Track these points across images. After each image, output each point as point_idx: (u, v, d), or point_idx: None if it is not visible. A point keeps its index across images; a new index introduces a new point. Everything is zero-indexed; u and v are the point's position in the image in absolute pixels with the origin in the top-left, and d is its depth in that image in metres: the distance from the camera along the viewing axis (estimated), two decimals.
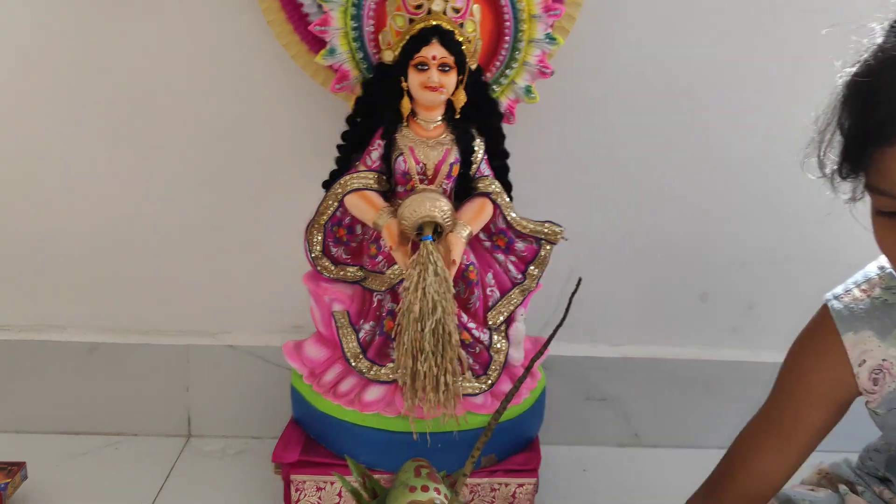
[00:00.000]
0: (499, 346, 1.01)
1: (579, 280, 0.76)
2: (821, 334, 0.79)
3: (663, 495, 1.18)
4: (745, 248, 1.25)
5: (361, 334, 1.01)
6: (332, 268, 1.01)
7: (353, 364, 1.00)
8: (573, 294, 0.74)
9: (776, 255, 1.25)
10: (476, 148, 0.98)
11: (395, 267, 0.97)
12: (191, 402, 1.26)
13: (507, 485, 1.00)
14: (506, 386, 1.03)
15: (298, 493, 1.00)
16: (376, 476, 0.91)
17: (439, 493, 0.81)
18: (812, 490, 0.99)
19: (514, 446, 1.04)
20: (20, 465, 1.06)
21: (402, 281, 0.96)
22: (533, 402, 1.05)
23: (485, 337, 1.00)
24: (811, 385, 0.80)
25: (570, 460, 1.25)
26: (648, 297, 1.27)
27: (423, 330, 0.90)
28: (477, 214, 0.97)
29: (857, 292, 0.78)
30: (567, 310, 0.72)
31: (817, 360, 0.80)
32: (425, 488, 0.80)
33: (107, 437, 1.25)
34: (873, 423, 0.84)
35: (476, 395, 0.99)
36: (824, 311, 0.79)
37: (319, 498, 1.00)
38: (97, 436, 1.24)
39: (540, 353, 0.74)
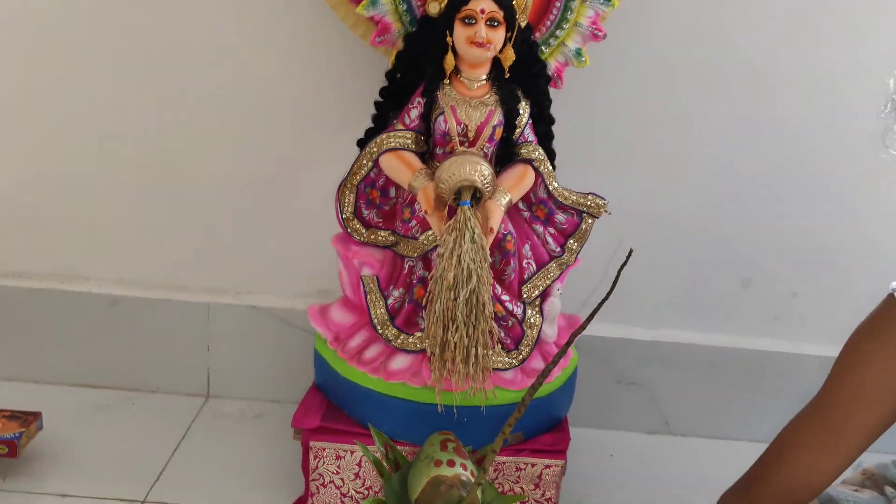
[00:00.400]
0: (532, 321, 0.97)
1: (630, 252, 0.71)
2: (884, 324, 0.74)
3: (691, 486, 1.14)
4: (792, 234, 1.19)
5: (390, 301, 0.97)
6: (363, 231, 0.97)
7: (380, 331, 0.96)
8: (622, 266, 0.70)
9: (825, 243, 1.19)
10: (521, 111, 0.93)
11: (429, 232, 0.93)
12: (211, 361, 1.23)
13: (533, 465, 0.97)
14: (537, 363, 0.99)
15: (317, 460, 0.97)
16: (399, 448, 0.88)
17: (466, 469, 0.78)
18: (856, 490, 0.94)
19: (542, 426, 1.00)
20: (36, 416, 1.04)
21: (435, 247, 0.92)
22: (564, 382, 1.01)
23: (518, 311, 0.96)
24: (868, 379, 0.75)
25: (596, 444, 1.20)
26: (688, 279, 1.21)
27: (455, 299, 0.86)
28: (518, 182, 0.93)
29: None
30: (615, 282, 0.68)
31: (878, 351, 0.74)
32: (451, 463, 0.77)
33: (125, 392, 1.22)
34: None
35: (506, 370, 0.95)
36: (889, 300, 0.74)
37: (338, 467, 0.97)
38: (115, 391, 1.22)
39: (582, 327, 0.69)
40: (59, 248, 1.21)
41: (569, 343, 0.69)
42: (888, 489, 0.90)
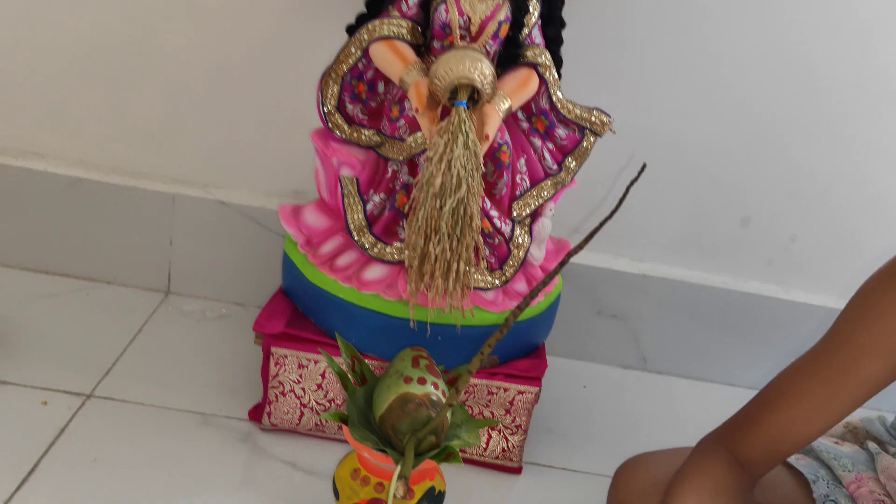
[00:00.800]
0: (520, 240, 0.90)
1: (643, 166, 0.64)
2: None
3: (662, 424, 1.11)
4: (799, 177, 1.13)
5: (369, 206, 0.89)
6: (346, 127, 0.89)
7: (356, 238, 0.89)
8: (633, 182, 0.63)
9: (831, 190, 1.13)
10: (531, 9, 0.84)
11: (418, 134, 0.85)
12: (173, 256, 1.16)
13: (506, 390, 0.92)
14: (520, 286, 0.93)
15: (278, 367, 0.91)
16: (366, 361, 0.82)
17: (437, 388, 0.72)
18: (837, 443, 0.91)
19: (519, 351, 0.95)
20: None
21: (423, 151, 0.85)
22: (546, 308, 0.95)
23: (506, 229, 0.89)
24: (879, 329, 0.69)
25: (570, 374, 1.16)
26: (684, 213, 1.15)
27: (441, 208, 0.78)
28: (520, 87, 0.84)
29: None
30: (622, 199, 0.61)
31: (886, 306, 0.69)
32: (422, 381, 0.71)
33: (78, 280, 1.15)
34: None
35: (487, 290, 0.89)
36: None
37: (300, 376, 0.91)
38: (68, 278, 1.15)
39: (579, 247, 0.62)
40: (15, 120, 1.11)
41: (562, 264, 0.63)
42: (870, 444, 0.87)
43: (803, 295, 1.18)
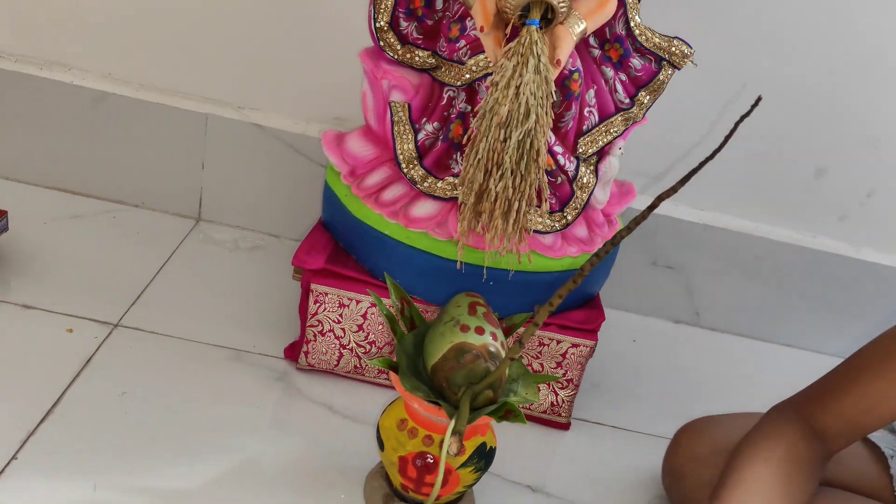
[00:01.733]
0: (585, 180, 0.83)
1: (758, 99, 0.56)
2: None
3: (714, 383, 1.05)
4: (880, 123, 1.04)
5: (421, 135, 0.82)
6: (399, 47, 0.81)
7: (405, 170, 0.82)
8: (746, 115, 0.55)
9: None
10: None
11: (480, 57, 0.77)
12: (205, 181, 1.09)
13: (559, 342, 0.85)
14: (580, 230, 0.86)
15: (318, 305, 0.85)
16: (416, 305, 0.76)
17: (496, 339, 0.66)
18: None
19: (573, 301, 0.88)
20: (1, 214, 0.91)
21: (485, 76, 0.77)
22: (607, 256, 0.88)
23: (570, 167, 0.82)
24: None
25: (619, 327, 1.10)
26: (752, 159, 1.06)
27: (506, 140, 0.70)
28: (598, 8, 0.75)
29: None
30: (731, 133, 0.53)
31: None
32: (480, 330, 0.65)
33: (105, 202, 1.09)
34: None
35: (546, 233, 0.82)
36: None
37: (341, 316, 0.85)
38: (94, 199, 1.09)
39: (674, 189, 0.55)
40: (39, 26, 1.03)
41: (652, 207, 0.56)
42: None
43: (875, 255, 1.09)
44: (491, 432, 0.70)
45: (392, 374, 0.66)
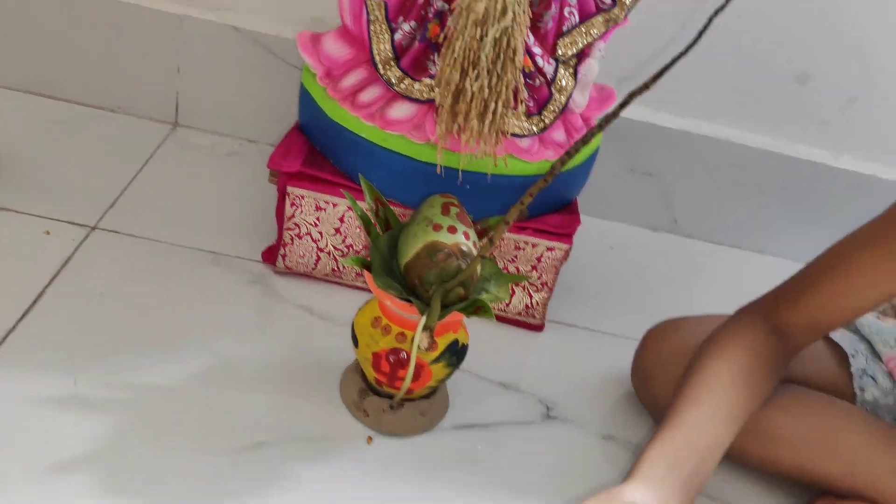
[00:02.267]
0: (563, 83, 0.82)
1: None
2: None
3: (690, 289, 1.07)
4: (865, 29, 1.02)
5: (398, 36, 0.80)
6: None
7: (382, 71, 0.80)
8: (719, 10, 0.54)
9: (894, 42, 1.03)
10: None
11: None
12: (181, 85, 1.07)
13: (534, 245, 0.86)
14: (558, 135, 0.85)
15: (294, 208, 0.85)
16: (391, 207, 0.76)
17: (468, 238, 0.66)
18: (879, 318, 0.86)
19: (550, 205, 0.88)
20: None
21: None
22: (584, 160, 0.88)
23: (549, 69, 0.81)
24: None
25: (596, 233, 1.11)
26: (732, 64, 1.05)
27: (482, 37, 0.69)
28: None
29: None
30: (703, 30, 0.53)
31: None
32: (452, 230, 0.65)
33: (81, 107, 1.07)
34: None
35: (523, 136, 0.82)
36: None
37: (317, 219, 0.86)
38: (70, 104, 1.07)
39: (644, 87, 0.55)
40: None
41: (623, 104, 0.55)
42: None
43: (854, 163, 1.10)
44: (463, 330, 0.72)
45: (366, 273, 0.67)
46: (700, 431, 0.63)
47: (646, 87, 0.54)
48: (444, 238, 0.65)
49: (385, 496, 0.68)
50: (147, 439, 0.67)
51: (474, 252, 0.66)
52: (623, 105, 0.55)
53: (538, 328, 0.91)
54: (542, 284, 0.89)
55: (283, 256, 0.88)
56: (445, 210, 0.67)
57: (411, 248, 0.66)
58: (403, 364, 0.68)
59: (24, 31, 1.03)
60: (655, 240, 1.15)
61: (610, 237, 1.13)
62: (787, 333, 0.72)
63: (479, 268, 0.67)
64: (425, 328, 0.63)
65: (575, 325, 0.94)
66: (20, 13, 1.02)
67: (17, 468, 0.62)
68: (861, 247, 0.69)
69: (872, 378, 0.79)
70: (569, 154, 0.58)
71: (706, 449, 0.64)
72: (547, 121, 0.82)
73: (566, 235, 0.87)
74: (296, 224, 0.86)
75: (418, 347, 0.64)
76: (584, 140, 0.55)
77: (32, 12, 1.02)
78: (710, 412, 0.65)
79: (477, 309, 0.64)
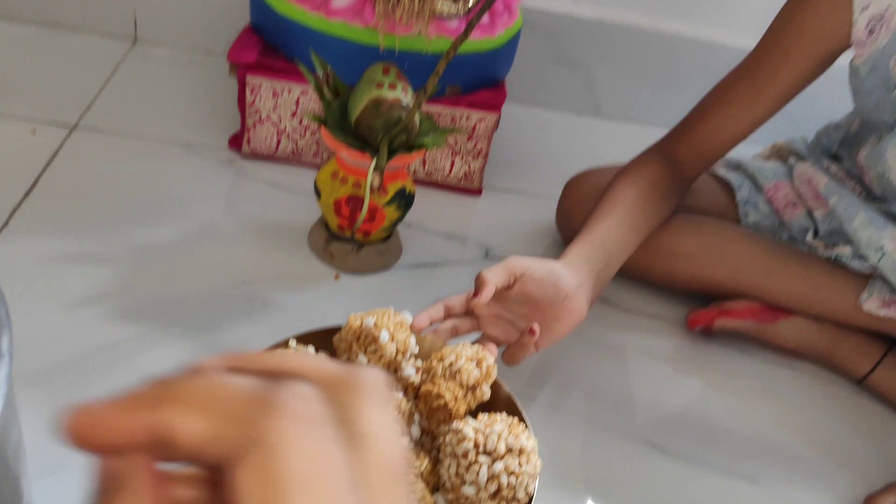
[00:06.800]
0: None
1: None
2: None
3: (612, 160, 1.21)
4: None
5: None
6: None
7: None
8: None
9: None
10: None
11: None
12: (138, 1, 1.16)
13: (468, 117, 0.99)
14: (484, 19, 0.97)
15: (254, 95, 0.96)
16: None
17: (406, 93, 0.79)
18: (761, 160, 1.01)
19: (481, 82, 1.01)
20: None
21: None
22: (507, 41, 1.01)
23: None
24: (803, 30, 0.77)
25: (528, 119, 1.24)
26: None
27: None
28: None
29: None
30: None
31: (818, 2, 0.76)
32: (392, 86, 0.78)
33: (43, 27, 1.16)
34: (849, 88, 0.84)
35: (451, 17, 0.94)
36: None
37: (276, 104, 0.97)
38: (31, 24, 1.15)
39: None
40: None
41: None
42: (791, 159, 0.98)
43: (751, 40, 1.23)
44: (410, 180, 0.85)
45: (322, 129, 0.79)
46: (608, 236, 0.77)
47: None
48: (386, 93, 0.77)
49: None
50: (148, 282, 0.79)
51: (412, 103, 0.79)
52: None
53: (477, 192, 1.05)
54: (477, 153, 1.02)
55: (248, 141, 0.99)
56: (385, 72, 0.79)
57: (359, 105, 0.78)
58: (360, 207, 0.81)
59: None
60: (581, 123, 1.29)
61: (540, 121, 1.26)
62: (680, 163, 0.86)
63: (417, 118, 0.80)
64: (376, 168, 0.76)
65: (509, 189, 1.08)
66: None
67: (39, 306, 0.74)
68: (733, 80, 0.83)
69: (755, 205, 0.95)
70: (469, 27, 0.70)
71: (614, 251, 0.78)
72: (470, 2, 0.94)
73: (494, 106, 1.00)
74: (257, 110, 0.97)
75: (371, 186, 0.76)
76: (482, 10, 0.67)
77: None
78: (616, 223, 0.79)
79: (419, 149, 0.77)
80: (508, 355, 0.71)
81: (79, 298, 0.76)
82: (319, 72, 0.83)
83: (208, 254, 0.85)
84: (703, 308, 0.90)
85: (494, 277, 0.68)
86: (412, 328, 0.64)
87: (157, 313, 0.76)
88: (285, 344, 0.60)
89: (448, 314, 0.70)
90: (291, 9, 0.93)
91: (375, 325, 0.59)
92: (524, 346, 0.69)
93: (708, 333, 0.90)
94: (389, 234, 0.88)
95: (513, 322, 0.73)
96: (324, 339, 0.63)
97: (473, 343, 0.67)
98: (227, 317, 0.78)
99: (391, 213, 0.83)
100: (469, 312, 0.72)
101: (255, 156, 1.00)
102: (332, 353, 0.62)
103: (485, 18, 0.98)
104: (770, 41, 0.80)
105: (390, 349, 0.59)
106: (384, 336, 0.59)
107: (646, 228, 0.82)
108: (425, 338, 0.66)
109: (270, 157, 1.01)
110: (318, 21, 0.92)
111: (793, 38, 0.78)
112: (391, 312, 0.61)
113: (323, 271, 0.86)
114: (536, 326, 0.68)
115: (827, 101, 1.03)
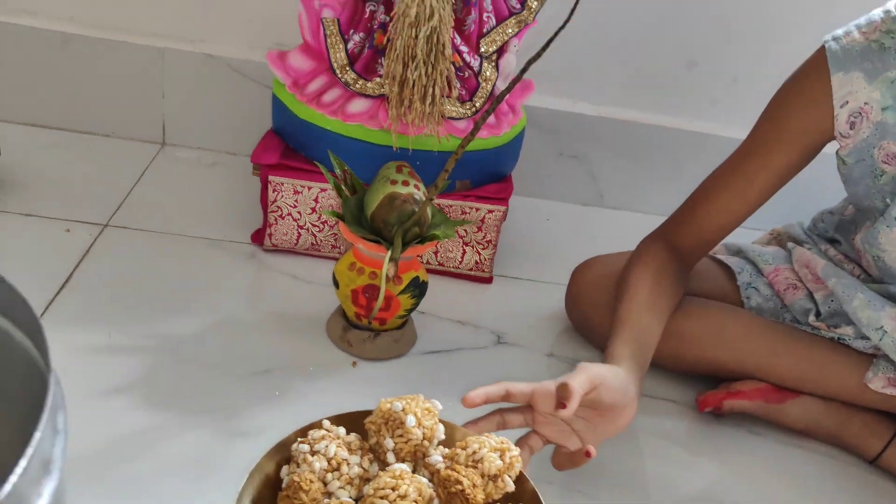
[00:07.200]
0: (488, 74, 1.01)
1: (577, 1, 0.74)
2: (811, 73, 0.81)
3: (612, 249, 1.25)
4: (736, 21, 1.24)
5: (350, 45, 0.99)
6: None
7: (340, 75, 0.99)
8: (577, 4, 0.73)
9: (771, 30, 1.24)
10: None
11: None
12: (166, 109, 1.24)
13: (477, 209, 1.04)
14: (491, 120, 1.04)
15: (276, 193, 1.02)
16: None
17: (419, 189, 0.84)
18: (762, 247, 1.05)
19: (489, 177, 1.07)
20: None
21: None
22: (512, 138, 1.07)
23: (475, 63, 1.00)
24: (788, 125, 0.82)
25: (535, 210, 1.29)
26: (635, 59, 1.26)
27: (416, 36, 0.88)
28: None
29: (857, 34, 0.79)
30: (571, 14, 0.72)
31: (801, 98, 0.81)
32: (406, 183, 0.83)
33: (78, 134, 1.24)
34: (839, 176, 0.88)
35: (459, 119, 1.00)
36: (820, 51, 0.80)
37: (296, 201, 1.03)
38: (68, 132, 1.23)
39: (537, 56, 0.73)
40: None
41: (516, 80, 0.73)
42: (789, 244, 1.02)
43: (741, 132, 1.29)
44: (423, 271, 0.89)
45: (340, 224, 0.84)
46: (643, 333, 0.80)
47: (538, 56, 0.73)
48: (400, 189, 0.82)
49: (368, 404, 0.84)
50: (174, 371, 0.83)
51: (424, 199, 0.84)
52: (524, 70, 0.73)
53: (487, 280, 1.09)
54: (487, 242, 1.07)
55: (270, 236, 1.04)
56: (399, 170, 0.85)
57: (375, 200, 0.83)
58: (377, 297, 0.85)
59: (21, 68, 1.20)
60: (586, 212, 1.34)
61: (546, 212, 1.31)
62: (681, 249, 0.90)
63: (429, 212, 0.85)
64: (391, 259, 0.80)
65: (519, 277, 1.12)
66: (18, 52, 1.19)
67: (69, 396, 0.77)
68: (725, 171, 0.88)
69: (756, 289, 0.98)
70: (476, 127, 0.76)
71: (651, 346, 0.80)
72: (478, 104, 1.01)
73: (502, 199, 1.05)
74: (278, 207, 1.03)
75: (386, 276, 0.81)
76: (488, 112, 0.73)
77: (30, 51, 1.19)
78: (647, 317, 0.81)
79: (431, 241, 0.82)
80: (558, 462, 0.72)
81: (108, 388, 0.79)
82: (338, 171, 0.89)
83: (231, 342, 0.89)
84: (711, 390, 0.92)
85: (580, 388, 0.67)
86: (465, 402, 0.66)
87: (183, 401, 0.80)
88: (319, 424, 0.63)
89: (506, 400, 0.70)
90: (312, 114, 1.00)
91: (404, 409, 0.62)
92: (576, 463, 0.70)
93: (718, 414, 0.92)
94: (404, 321, 0.92)
95: (569, 422, 0.73)
96: (356, 422, 0.66)
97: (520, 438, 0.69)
98: (248, 403, 0.81)
99: (406, 301, 0.87)
100: (527, 406, 0.72)
101: (276, 249, 1.06)
102: (364, 435, 0.65)
103: (491, 118, 1.05)
104: (758, 133, 0.86)
105: (416, 434, 0.62)
106: (411, 421, 0.61)
107: (666, 317, 0.85)
108: (455, 426, 0.68)
109: (290, 251, 1.06)
110: (336, 124, 0.99)
111: (779, 131, 0.83)
112: (420, 399, 0.64)
113: (341, 358, 0.89)
114: (593, 450, 0.68)
115: (822, 186, 1.08)
